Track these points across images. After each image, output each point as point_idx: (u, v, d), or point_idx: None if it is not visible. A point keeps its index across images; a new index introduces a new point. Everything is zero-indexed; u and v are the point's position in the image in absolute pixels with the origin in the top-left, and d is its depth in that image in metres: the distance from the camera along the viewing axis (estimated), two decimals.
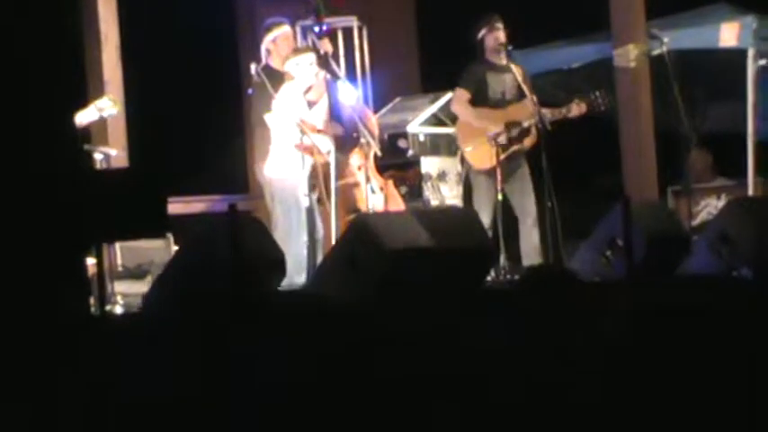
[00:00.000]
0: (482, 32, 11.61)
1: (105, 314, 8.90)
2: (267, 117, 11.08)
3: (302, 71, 11.20)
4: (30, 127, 7.78)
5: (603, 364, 3.68)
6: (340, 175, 11.42)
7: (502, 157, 11.30)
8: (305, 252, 10.70)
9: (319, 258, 10.67)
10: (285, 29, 11.63)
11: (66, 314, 7.63)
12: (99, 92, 12.49)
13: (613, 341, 3.85)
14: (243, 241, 8.78)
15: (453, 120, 11.96)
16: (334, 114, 11.49)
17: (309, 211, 10.95)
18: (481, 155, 11.43)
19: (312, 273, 10.43)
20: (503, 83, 11.61)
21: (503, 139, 11.33)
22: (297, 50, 11.43)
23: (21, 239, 7.62)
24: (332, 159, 11.07)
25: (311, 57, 11.28)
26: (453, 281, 9.26)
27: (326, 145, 11.10)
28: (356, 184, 11.53)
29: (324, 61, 11.73)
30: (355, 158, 11.51)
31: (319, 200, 11.26)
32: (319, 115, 11.28)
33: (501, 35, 11.53)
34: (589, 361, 3.86)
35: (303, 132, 10.89)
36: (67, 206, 8.02)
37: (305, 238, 10.84)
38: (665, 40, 12.34)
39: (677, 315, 3.76)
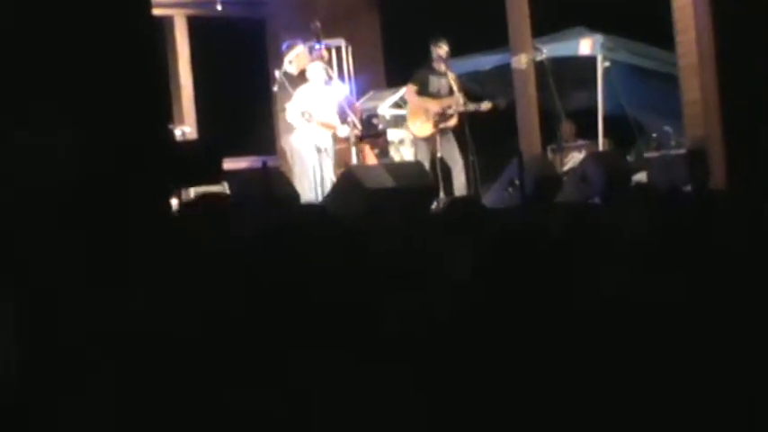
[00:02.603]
0: (431, 47, 11.65)
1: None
2: (287, 106, 11.12)
3: (315, 75, 11.24)
4: (139, 116, 7.82)
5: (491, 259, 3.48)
6: (336, 143, 11.48)
7: (435, 129, 11.38)
8: (313, 195, 10.75)
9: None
10: (301, 48, 11.65)
11: (158, 236, 7.68)
12: (177, 90, 12.53)
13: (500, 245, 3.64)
14: (272, 185, 8.87)
15: (405, 101, 12.02)
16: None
17: (316, 167, 11.04)
18: (422, 127, 11.50)
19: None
20: (440, 83, 11.62)
21: (437, 116, 11.40)
22: (312, 60, 11.48)
23: (133, 188, 7.67)
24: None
25: (321, 65, 11.33)
26: (410, 209, 9.35)
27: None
28: (347, 148, 11.55)
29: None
30: (345, 131, 11.52)
31: None
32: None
33: (442, 53, 11.55)
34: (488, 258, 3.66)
35: (308, 120, 10.98)
36: (160, 165, 8.07)
37: (313, 184, 10.89)
38: (544, 50, 12.37)
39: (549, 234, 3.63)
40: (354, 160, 11.40)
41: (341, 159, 11.46)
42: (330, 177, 10.90)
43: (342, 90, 11.82)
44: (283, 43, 11.86)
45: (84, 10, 7.81)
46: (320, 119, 11.10)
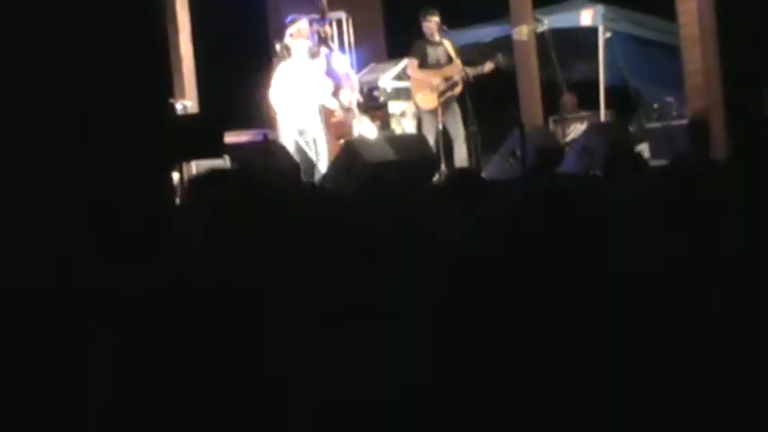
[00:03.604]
0: (421, 21, 11.61)
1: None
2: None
3: (297, 51, 11.17)
4: (141, 91, 7.81)
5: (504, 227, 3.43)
6: (334, 114, 11.46)
7: (441, 100, 11.35)
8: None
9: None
10: (303, 22, 11.63)
11: (160, 208, 7.70)
12: (178, 63, 12.51)
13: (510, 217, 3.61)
14: (272, 158, 8.89)
15: (408, 77, 11.98)
16: (330, 75, 11.53)
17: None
18: (427, 99, 11.46)
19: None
20: (437, 53, 11.59)
21: (442, 87, 11.37)
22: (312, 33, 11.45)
23: (133, 161, 7.68)
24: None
25: (304, 42, 11.26)
26: (412, 181, 9.36)
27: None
28: (345, 119, 11.54)
29: (324, 41, 11.77)
30: (333, 103, 11.47)
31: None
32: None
33: (432, 25, 11.50)
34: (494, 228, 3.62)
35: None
36: (161, 139, 8.07)
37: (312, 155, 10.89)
38: (545, 21, 12.37)
39: (553, 197, 3.59)
40: (355, 131, 11.39)
41: (339, 132, 11.45)
42: (324, 153, 10.85)
43: (342, 62, 11.81)
44: (287, 17, 11.84)
45: None
46: (303, 94, 11.03)
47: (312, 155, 10.69)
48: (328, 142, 11.00)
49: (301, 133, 10.89)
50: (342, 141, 11.07)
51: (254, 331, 2.87)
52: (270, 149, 9.18)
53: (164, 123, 8.30)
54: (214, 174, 3.80)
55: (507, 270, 3.04)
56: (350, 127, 11.48)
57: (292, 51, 11.10)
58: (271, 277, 2.97)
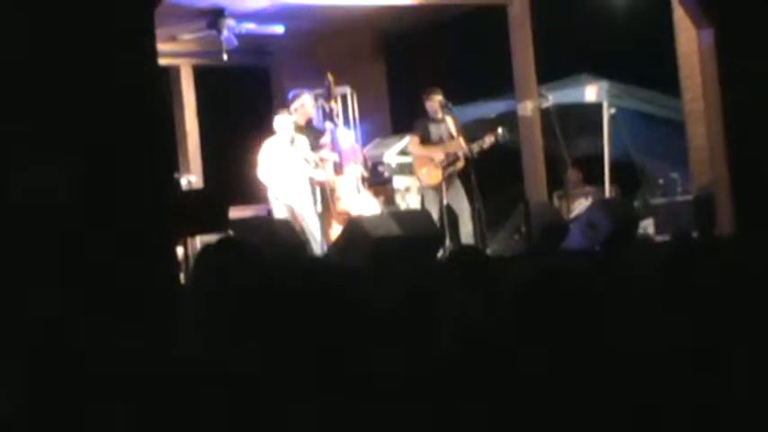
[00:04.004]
0: (423, 100, 11.66)
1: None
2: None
3: (280, 126, 11.21)
4: (146, 165, 7.85)
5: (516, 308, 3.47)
6: (335, 190, 11.47)
7: (444, 175, 11.38)
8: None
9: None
10: (306, 97, 11.71)
11: (166, 283, 7.70)
12: (183, 139, 12.59)
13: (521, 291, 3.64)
14: (276, 234, 8.87)
15: (410, 152, 12.02)
16: (335, 150, 11.57)
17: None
18: (430, 175, 11.50)
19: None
20: (440, 130, 11.64)
21: (444, 163, 11.40)
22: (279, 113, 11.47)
23: (137, 235, 7.70)
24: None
25: (288, 117, 11.29)
26: (416, 257, 9.34)
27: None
28: (346, 196, 11.54)
29: (329, 116, 11.83)
30: (352, 177, 11.54)
31: (325, 208, 11.28)
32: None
33: (434, 104, 11.54)
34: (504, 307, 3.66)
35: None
36: (166, 213, 8.10)
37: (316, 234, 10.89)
38: (550, 97, 12.40)
39: (560, 275, 3.62)
40: (358, 207, 11.39)
41: (341, 208, 11.45)
42: (315, 228, 10.82)
43: (347, 137, 11.86)
44: (290, 92, 11.91)
45: (91, 59, 7.87)
46: (289, 169, 11.06)
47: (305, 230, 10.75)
48: (322, 217, 11.01)
49: (290, 209, 10.93)
50: (345, 217, 11.07)
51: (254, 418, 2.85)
52: (274, 225, 9.18)
53: (169, 198, 8.35)
54: (224, 242, 3.80)
55: (510, 347, 3.04)
56: (349, 202, 11.47)
57: (275, 127, 11.16)
58: (270, 359, 2.95)
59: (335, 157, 11.47)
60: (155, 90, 8.44)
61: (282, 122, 11.16)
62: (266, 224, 9.24)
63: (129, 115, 7.97)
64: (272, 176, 11.04)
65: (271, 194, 11.05)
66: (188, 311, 3.60)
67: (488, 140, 11.37)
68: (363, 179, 11.72)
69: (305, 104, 11.58)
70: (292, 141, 11.12)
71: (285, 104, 11.88)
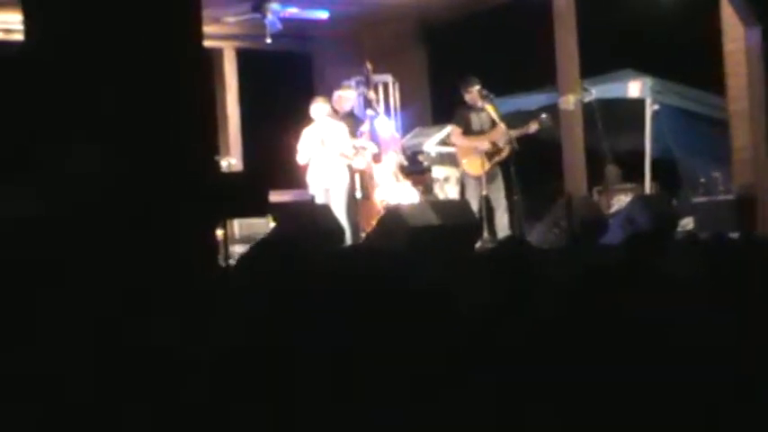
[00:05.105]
0: (462, 91, 11.63)
1: (228, 267, 8.97)
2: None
3: (317, 113, 11.23)
4: (187, 147, 7.86)
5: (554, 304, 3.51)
6: (374, 178, 11.49)
7: (487, 166, 11.36)
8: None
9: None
10: (350, 91, 11.75)
11: (204, 265, 7.72)
12: (224, 121, 12.64)
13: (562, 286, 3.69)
14: (317, 220, 8.89)
15: (453, 144, 12.00)
16: (374, 138, 11.59)
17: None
18: (474, 165, 11.47)
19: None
20: (481, 119, 11.60)
21: (489, 152, 11.38)
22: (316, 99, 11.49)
23: (177, 217, 7.71)
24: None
25: (322, 104, 11.30)
26: (454, 248, 9.33)
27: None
28: (385, 184, 11.56)
29: (369, 104, 11.84)
30: (390, 166, 11.57)
31: (364, 195, 11.31)
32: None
33: (473, 95, 11.50)
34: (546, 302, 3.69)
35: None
36: (206, 196, 8.11)
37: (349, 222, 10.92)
38: (593, 91, 12.39)
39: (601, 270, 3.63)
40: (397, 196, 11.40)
41: (380, 196, 11.47)
42: (341, 215, 10.80)
43: (387, 126, 11.87)
44: (332, 78, 11.94)
45: (136, 38, 7.90)
46: (328, 153, 11.09)
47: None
48: (360, 204, 11.04)
49: (326, 192, 10.97)
50: (383, 205, 11.09)
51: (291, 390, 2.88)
52: (315, 211, 9.20)
53: (209, 180, 8.38)
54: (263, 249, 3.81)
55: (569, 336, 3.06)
56: (391, 191, 11.49)
57: (312, 115, 11.18)
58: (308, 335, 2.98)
59: (374, 146, 11.48)
60: (199, 72, 8.45)
61: (319, 110, 11.18)
62: (307, 209, 9.25)
63: (169, 96, 7.99)
64: (310, 163, 11.08)
65: (309, 180, 11.09)
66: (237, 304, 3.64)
67: (532, 126, 11.32)
68: (402, 168, 11.74)
69: (342, 97, 11.57)
70: (330, 128, 11.15)
71: (325, 91, 11.92)
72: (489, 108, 11.54)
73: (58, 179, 7.29)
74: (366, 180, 11.40)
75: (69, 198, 7.20)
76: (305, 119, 11.32)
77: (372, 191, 11.42)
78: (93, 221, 7.22)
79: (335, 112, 11.38)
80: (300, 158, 11.11)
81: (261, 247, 3.87)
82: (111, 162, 7.49)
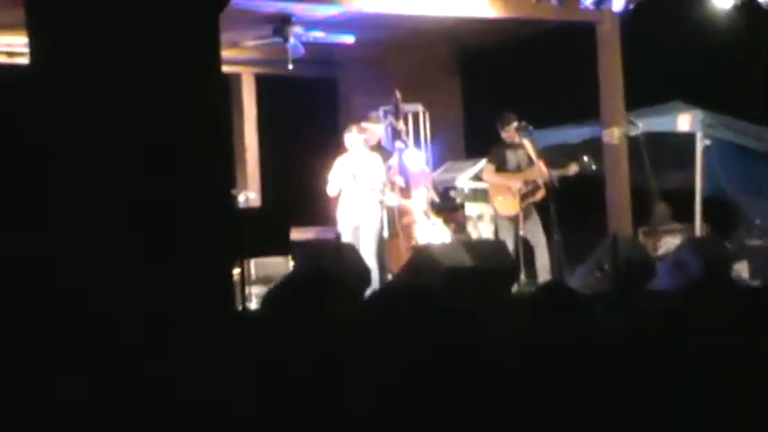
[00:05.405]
0: (498, 128, 11.57)
1: (245, 309, 8.92)
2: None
3: (352, 143, 11.16)
4: (201, 180, 7.80)
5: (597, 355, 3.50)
6: (403, 216, 11.42)
7: (521, 206, 11.28)
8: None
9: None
10: (378, 125, 11.68)
11: (219, 308, 7.64)
12: (242, 152, 12.60)
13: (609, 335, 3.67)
14: (344, 261, 8.81)
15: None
16: (402, 173, 11.52)
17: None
18: (506, 205, 11.41)
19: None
20: (518, 156, 11.56)
21: (522, 191, 11.31)
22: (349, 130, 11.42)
23: (190, 258, 7.64)
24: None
25: (357, 134, 11.23)
26: (489, 291, 9.24)
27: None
28: (415, 222, 11.49)
29: (398, 135, 11.79)
30: (420, 203, 11.49)
31: (391, 234, 11.23)
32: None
33: (510, 134, 11.46)
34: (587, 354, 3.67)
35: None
36: (222, 233, 8.04)
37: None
38: (640, 125, 12.31)
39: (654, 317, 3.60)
40: (427, 234, 11.32)
41: (409, 234, 11.39)
42: (370, 254, 10.77)
43: (416, 158, 11.80)
44: (369, 108, 11.85)
45: (149, 65, 7.85)
46: (360, 187, 11.00)
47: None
48: (386, 243, 10.96)
49: (356, 229, 10.87)
50: (412, 245, 11.01)
51: None
52: (341, 250, 9.11)
53: (225, 216, 8.31)
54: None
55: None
56: (420, 229, 11.41)
57: (346, 143, 11.12)
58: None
59: (401, 181, 11.42)
60: (215, 99, 8.39)
61: (353, 140, 11.12)
62: (332, 249, 9.16)
63: (186, 125, 7.92)
64: (341, 197, 10.98)
65: (339, 216, 11.00)
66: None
67: (572, 169, 11.27)
68: (433, 205, 11.66)
69: (368, 130, 11.47)
70: (365, 160, 11.07)
71: (351, 120, 11.85)
72: (527, 143, 11.49)
73: (69, 211, 7.25)
74: (394, 218, 11.32)
75: (83, 232, 7.17)
76: (330, 150, 11.28)
77: (401, 229, 11.34)
78: (95, 261, 7.17)
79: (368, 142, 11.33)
80: (330, 190, 11.03)
81: (292, 288, 3.78)
82: (123, 193, 7.45)
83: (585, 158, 11.34)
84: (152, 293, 7.25)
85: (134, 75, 7.75)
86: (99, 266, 7.07)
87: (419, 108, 13.02)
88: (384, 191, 11.10)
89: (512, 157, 11.57)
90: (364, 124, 11.52)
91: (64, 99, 7.56)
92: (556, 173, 11.27)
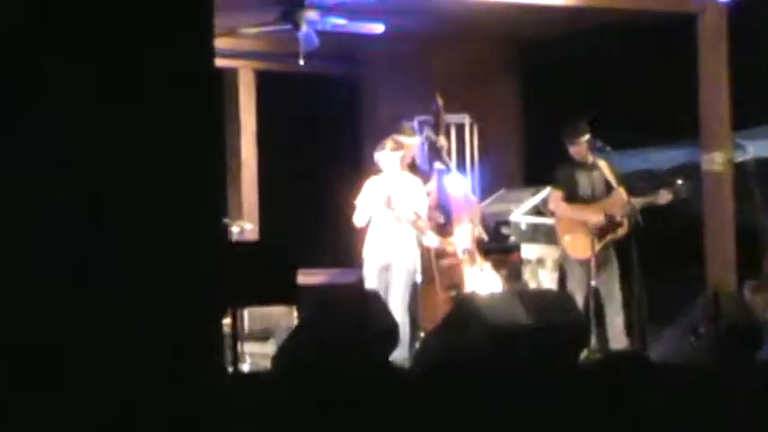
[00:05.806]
0: (566, 142, 11.56)
1: (237, 371, 8.94)
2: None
3: (387, 164, 11.15)
4: (185, 208, 7.84)
5: None
6: (442, 256, 11.43)
7: (598, 247, 11.26)
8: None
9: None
10: (413, 139, 11.64)
11: (206, 371, 7.67)
12: (237, 172, 12.65)
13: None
14: (369, 316, 8.81)
15: (552, 212, 11.93)
16: (442, 202, 11.53)
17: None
18: (578, 245, 11.38)
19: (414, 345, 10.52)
20: (591, 180, 11.56)
21: (601, 227, 11.29)
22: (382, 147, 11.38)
23: (167, 303, 7.68)
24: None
25: (392, 154, 11.24)
26: (550, 358, 9.23)
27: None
28: (457, 265, 11.50)
29: (437, 153, 11.80)
30: (464, 241, 11.51)
31: (425, 280, 11.23)
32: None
33: (581, 148, 11.48)
34: None
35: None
36: (209, 274, 8.07)
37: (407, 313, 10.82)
38: (750, 149, 12.31)
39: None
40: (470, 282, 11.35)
41: (448, 279, 11.41)
42: (398, 303, 10.80)
43: (460, 184, 11.83)
44: (402, 118, 11.84)
45: (122, 49, 7.92)
46: (395, 218, 10.99)
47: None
48: (419, 290, 10.98)
49: (385, 270, 10.91)
50: (452, 294, 11.03)
51: None
52: (367, 302, 9.09)
53: (213, 252, 8.33)
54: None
55: None
56: (462, 273, 11.45)
57: (380, 164, 11.11)
58: None
59: (440, 214, 11.45)
60: (204, 102, 8.44)
61: (387, 158, 11.09)
62: (356, 301, 9.14)
63: (164, 138, 7.96)
64: (369, 229, 10.97)
65: (366, 253, 10.97)
66: None
67: (664, 196, 11.26)
68: (480, 244, 11.68)
69: (407, 145, 11.43)
70: (402, 184, 11.07)
71: (378, 132, 11.86)
72: (603, 166, 11.48)
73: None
74: (429, 258, 11.34)
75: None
76: (348, 169, 11.33)
77: (438, 273, 11.36)
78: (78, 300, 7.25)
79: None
80: (358, 219, 11.02)
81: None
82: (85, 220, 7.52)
83: (680, 182, 11.33)
84: (125, 357, 7.30)
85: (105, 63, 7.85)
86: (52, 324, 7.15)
87: (465, 119, 13.08)
88: (425, 227, 11.08)
89: (584, 181, 11.57)
90: (396, 137, 11.46)
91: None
92: (641, 201, 11.26)
